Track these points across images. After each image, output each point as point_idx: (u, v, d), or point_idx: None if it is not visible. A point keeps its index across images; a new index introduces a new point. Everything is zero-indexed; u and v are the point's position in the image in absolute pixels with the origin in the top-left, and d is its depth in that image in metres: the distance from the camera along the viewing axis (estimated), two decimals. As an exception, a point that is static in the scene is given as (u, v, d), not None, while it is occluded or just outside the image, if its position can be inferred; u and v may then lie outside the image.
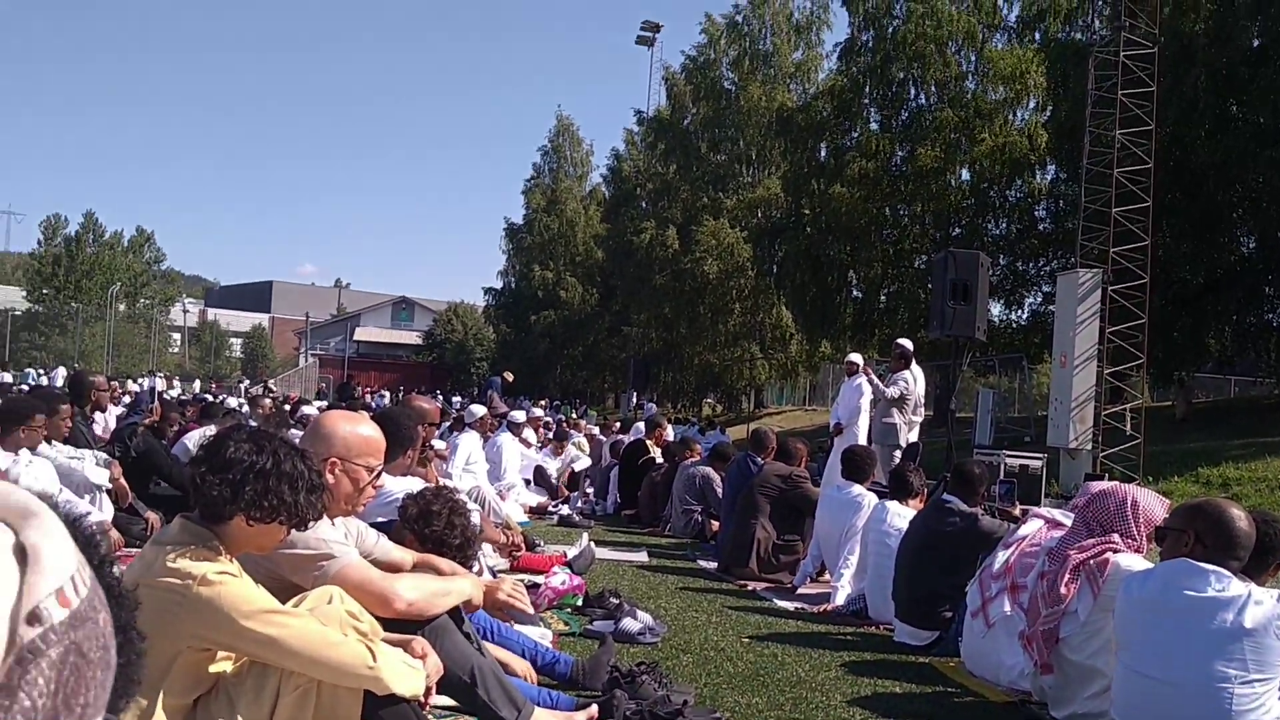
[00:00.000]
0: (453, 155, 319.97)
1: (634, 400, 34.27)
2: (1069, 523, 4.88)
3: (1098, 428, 16.24)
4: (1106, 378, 16.83)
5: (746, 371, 38.21)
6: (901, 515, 6.64)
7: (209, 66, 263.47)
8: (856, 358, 12.57)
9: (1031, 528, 5.38)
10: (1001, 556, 5.30)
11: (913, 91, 27.35)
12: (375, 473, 3.37)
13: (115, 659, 0.67)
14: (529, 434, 14.44)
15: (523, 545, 6.73)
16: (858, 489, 7.53)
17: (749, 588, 7.88)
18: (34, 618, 0.62)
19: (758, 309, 36.79)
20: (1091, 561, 4.43)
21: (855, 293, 29.52)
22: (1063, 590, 4.45)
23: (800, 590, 7.77)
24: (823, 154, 29.41)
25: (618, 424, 17.29)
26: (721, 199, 37.45)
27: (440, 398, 33.86)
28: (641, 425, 15.65)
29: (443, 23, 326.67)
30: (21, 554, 0.64)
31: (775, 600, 7.41)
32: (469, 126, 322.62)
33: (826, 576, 7.80)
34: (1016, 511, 7.48)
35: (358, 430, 3.40)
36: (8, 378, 31.68)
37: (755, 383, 39.19)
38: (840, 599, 7.03)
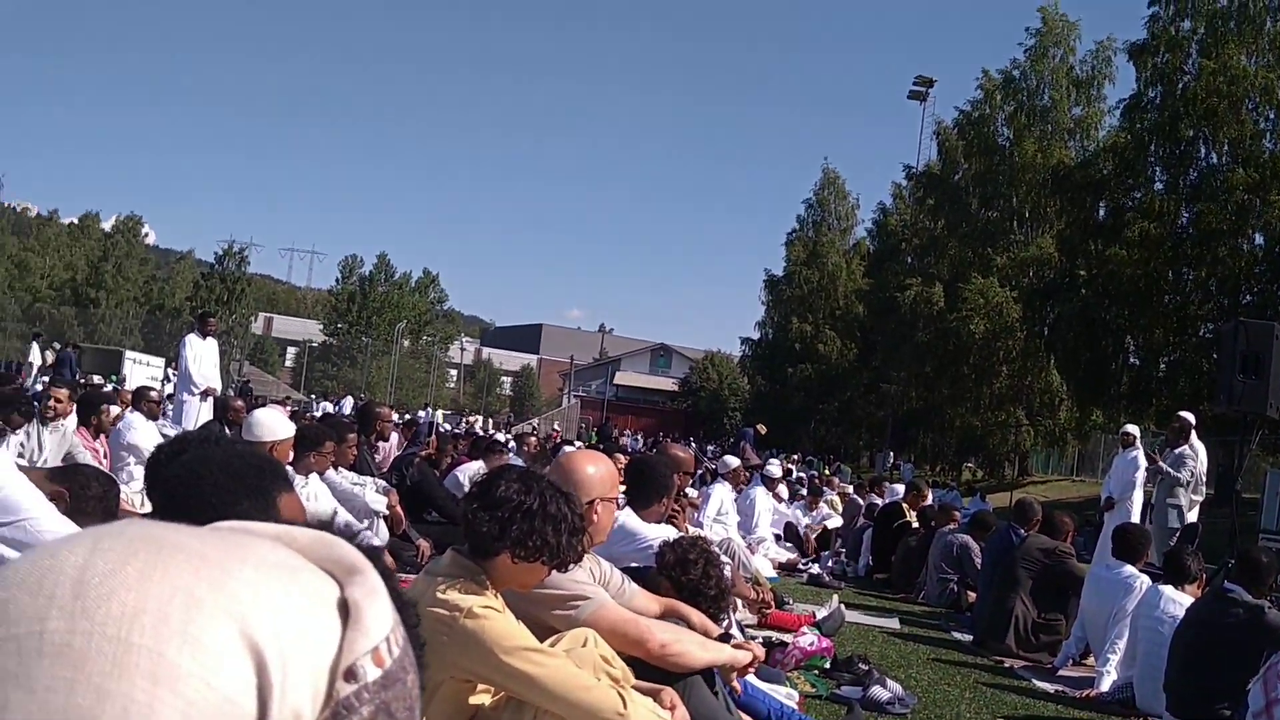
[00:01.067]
0: (716, 206, 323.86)
1: (890, 460, 33.58)
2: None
3: None
4: None
5: (1011, 437, 36.73)
6: (1176, 601, 6.19)
7: (499, 126, 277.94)
8: (1133, 429, 11.92)
9: (1328, 626, 4.92)
10: (1292, 655, 4.86)
11: (1202, 150, 25.83)
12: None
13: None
14: (782, 489, 14.34)
15: (772, 602, 6.67)
16: (1129, 569, 7.08)
17: (1006, 665, 7.54)
18: (350, 674, 0.63)
19: (1026, 372, 35.35)
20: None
21: (1132, 359, 27.98)
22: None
23: (1061, 672, 7.37)
24: (1101, 213, 28.16)
25: (869, 482, 17.01)
26: (991, 256, 36.29)
27: (693, 446, 34.15)
28: (899, 487, 15.28)
29: (711, 77, 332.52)
30: (344, 609, 0.65)
31: (1034, 680, 7.06)
32: (733, 178, 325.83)
33: (1090, 660, 7.37)
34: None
35: (603, 469, 3.52)
36: (329, 407, 34.03)
37: (1020, 449, 37.61)
38: (1105, 685, 6.62)
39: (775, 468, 14.25)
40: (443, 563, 2.82)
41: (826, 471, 31.64)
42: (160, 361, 32.43)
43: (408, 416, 34.66)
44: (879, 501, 14.25)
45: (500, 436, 24.73)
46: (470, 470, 9.92)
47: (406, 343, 72.50)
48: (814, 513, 14.93)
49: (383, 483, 7.94)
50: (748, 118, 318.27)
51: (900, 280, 41.05)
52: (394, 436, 14.80)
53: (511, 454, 13.48)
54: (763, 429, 29.74)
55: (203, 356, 13.34)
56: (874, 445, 46.12)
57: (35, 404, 8.55)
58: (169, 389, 18.34)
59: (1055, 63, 37.20)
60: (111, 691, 0.54)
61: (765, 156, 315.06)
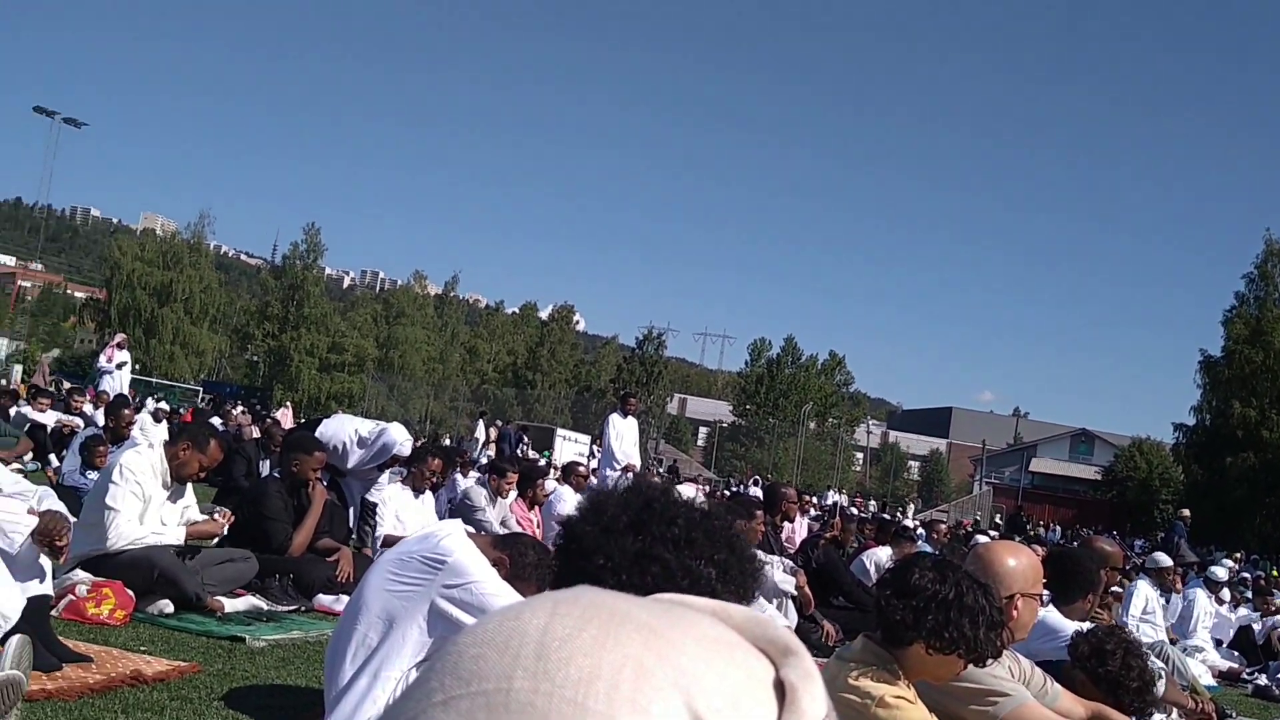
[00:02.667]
0: (1140, 282, 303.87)
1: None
2: None
3: None
4: None
5: None
6: None
7: (900, 211, 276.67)
8: None
9: None
10: None
11: None
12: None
13: None
14: (1225, 591, 13.11)
15: (1213, 714, 6.08)
16: None
17: None
18: None
19: None
20: None
21: None
22: None
23: None
24: None
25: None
26: None
27: (1119, 539, 31.88)
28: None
29: (1132, 146, 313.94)
30: (779, 691, 0.65)
31: None
32: (1159, 253, 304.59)
33: None
34: None
35: (1025, 561, 3.38)
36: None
37: None
38: None
39: (1222, 570, 13.03)
40: (855, 648, 2.81)
41: (1276, 572, 28.47)
42: (586, 438, 34.50)
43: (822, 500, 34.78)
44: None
45: (909, 522, 24.29)
46: (877, 556, 9.80)
47: (813, 424, 72.97)
48: (1267, 619, 13.48)
49: (789, 563, 8.01)
50: (1174, 189, 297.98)
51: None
52: (799, 519, 14.93)
53: (920, 541, 13.19)
54: (1185, 513, 27.28)
55: (624, 434, 14.13)
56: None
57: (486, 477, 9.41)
58: (593, 464, 19.48)
59: None
60: None
61: (1195, 229, 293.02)
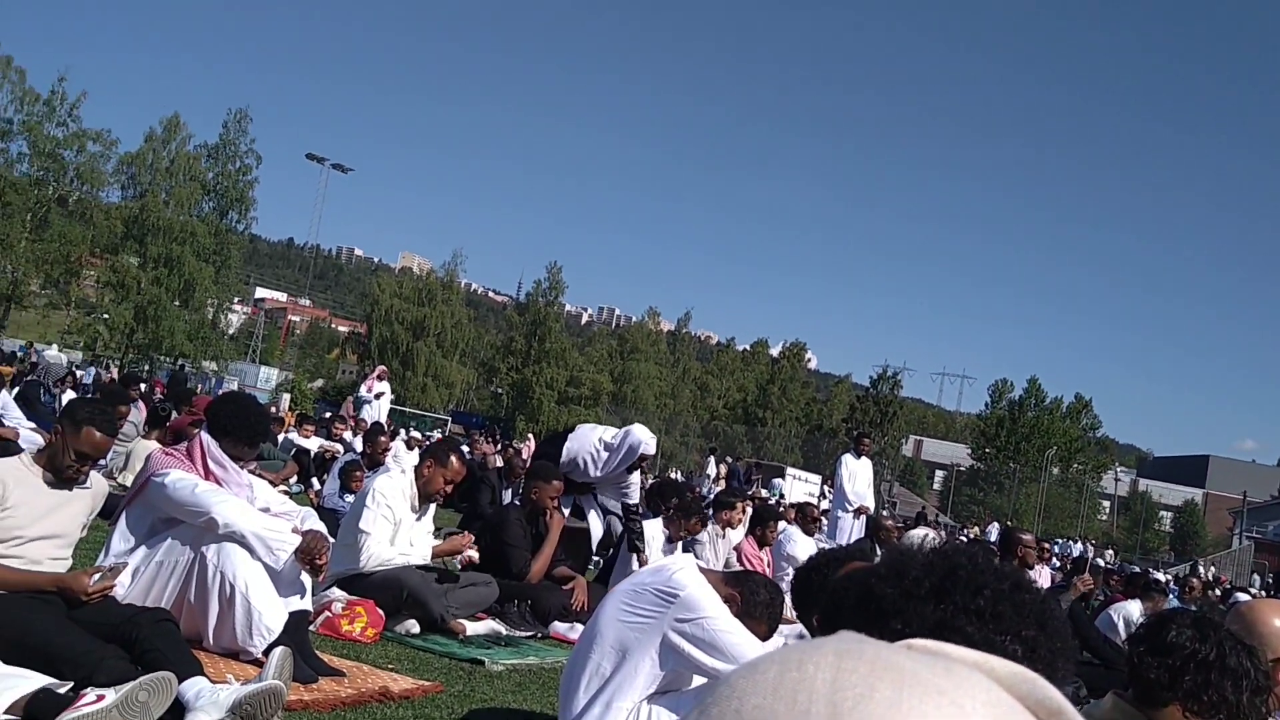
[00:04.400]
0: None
1: None
2: None
3: None
4: None
5: None
6: None
7: (1136, 244, 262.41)
8: None
9: None
10: None
11: None
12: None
13: None
14: None
15: None
16: None
17: None
18: None
19: None
20: None
21: None
22: None
23: None
24: None
25: None
26: None
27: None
28: None
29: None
30: None
31: None
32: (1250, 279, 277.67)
33: None
34: None
35: None
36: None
37: None
38: None
39: None
40: (1105, 706, 2.68)
41: None
42: (817, 478, 34.14)
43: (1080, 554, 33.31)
44: None
45: (1160, 576, 22.89)
46: (1127, 610, 9.28)
47: (1056, 470, 69.92)
48: None
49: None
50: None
51: None
52: (1042, 569, 14.33)
53: (1172, 596, 12.43)
54: None
55: (857, 475, 13.91)
56: None
57: (708, 513, 9.44)
58: (824, 505, 19.25)
59: None
60: None
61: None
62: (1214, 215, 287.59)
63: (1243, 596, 14.38)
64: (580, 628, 5.35)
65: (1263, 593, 29.33)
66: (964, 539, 22.01)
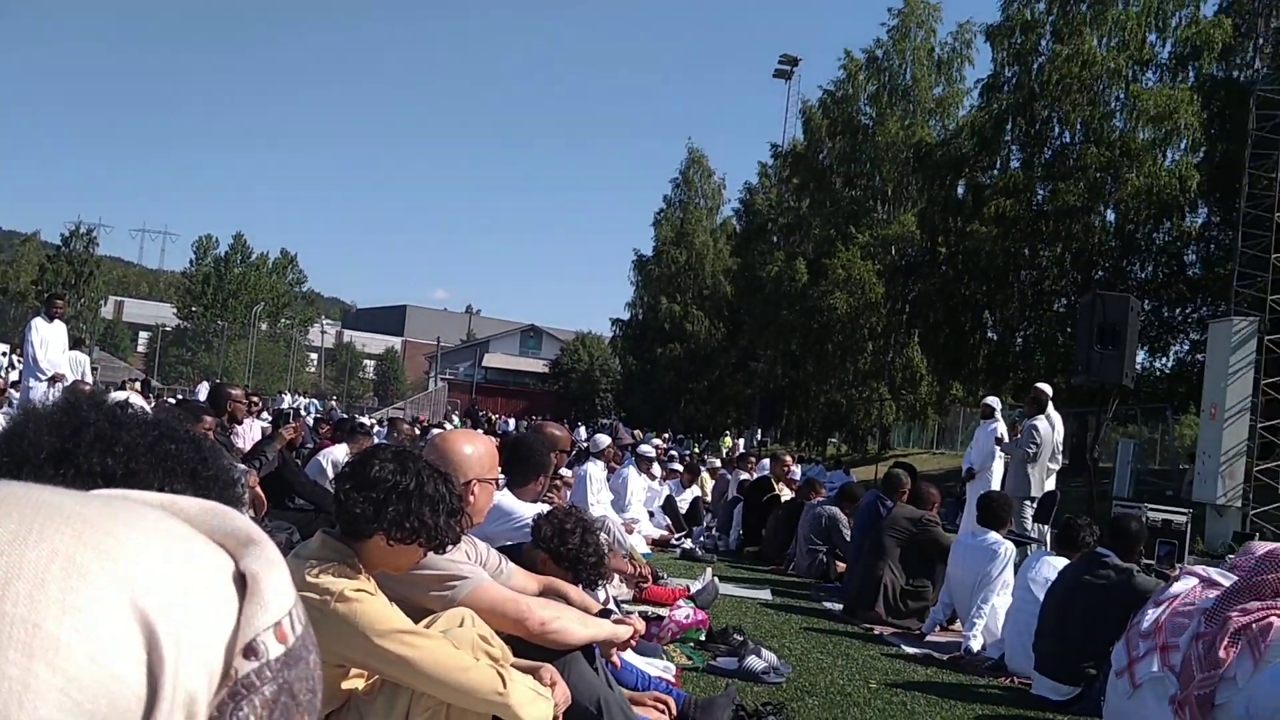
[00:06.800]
0: (586, 185, 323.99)
1: (758, 436, 34.03)
2: (1227, 583, 4.61)
3: (1248, 484, 15.49)
4: (1259, 432, 16.08)
5: (874, 412, 37.60)
6: (1054, 566, 6.37)
7: (349, 98, 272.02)
8: (994, 401, 12.25)
9: (1185, 586, 5.09)
10: (1152, 614, 5.03)
11: (1057, 129, 26.62)
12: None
13: (319, 704, 0.62)
14: (655, 467, 14.43)
15: (649, 577, 6.67)
16: (994, 536, 7.27)
17: (875, 632, 7.68)
18: (250, 651, 0.58)
19: (888, 349, 36.18)
20: (1254, 626, 4.17)
21: (990, 334, 28.79)
22: (1221, 654, 4.20)
23: (929, 638, 7.54)
24: (961, 191, 28.83)
25: (737, 458, 17.19)
26: (855, 234, 36.92)
27: (566, 425, 34.06)
28: (767, 462, 15.49)
29: (579, 56, 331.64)
30: (241, 583, 0.60)
31: (903, 646, 7.20)
32: (604, 157, 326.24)
33: (957, 625, 7.56)
34: (1174, 574, 7.14)
35: (481, 448, 3.45)
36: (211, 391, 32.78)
37: (883, 424, 38.54)
38: (974, 648, 6.79)
39: (649, 449, 14.31)
40: (312, 545, 2.70)
41: (698, 449, 31.94)
42: (4, 347, 30.88)
43: (289, 404, 33.91)
44: (748, 476, 14.41)
45: (366, 420, 24.24)
46: (334, 454, 9.65)
47: (264, 326, 70.78)
48: (690, 489, 15.08)
49: (241, 465, 7.69)
50: (618, 97, 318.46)
51: (767, 259, 41.52)
52: (252, 422, 14.40)
53: (378, 439, 13.23)
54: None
55: (50, 341, 12.75)
56: (742, 422, 46.69)
57: None
58: (14, 376, 17.52)
59: (917, 43, 38.05)
60: None
61: (635, 137, 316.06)
62: (383, 67, 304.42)
63: (439, 431, 15.74)
64: None
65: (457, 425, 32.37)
66: (171, 401, 21.44)
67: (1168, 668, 4.74)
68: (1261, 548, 4.48)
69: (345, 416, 23.19)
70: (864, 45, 39.55)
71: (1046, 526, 10.94)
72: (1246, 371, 15.15)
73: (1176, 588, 5.12)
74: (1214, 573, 5.06)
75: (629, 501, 12.28)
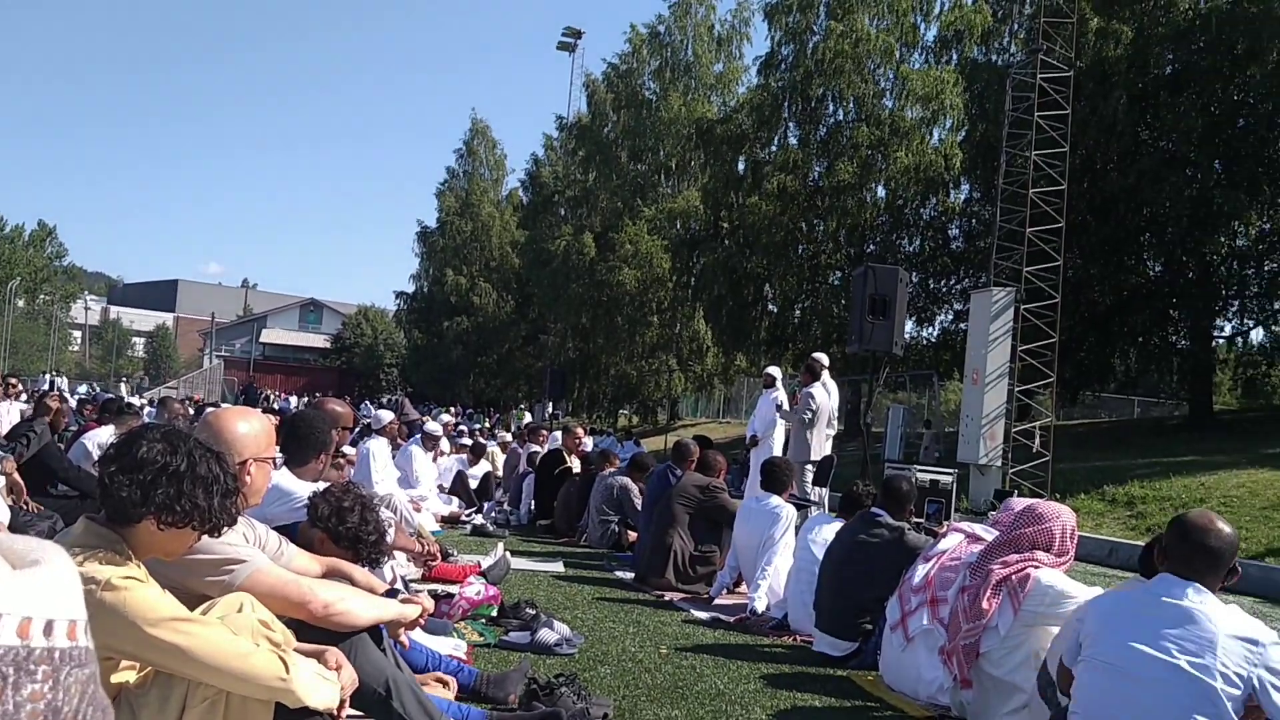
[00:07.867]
0: (366, 154, 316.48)
1: (549, 409, 34.12)
2: (989, 538, 4.89)
3: (1008, 444, 16.50)
4: (1017, 395, 17.12)
5: (663, 383, 38.23)
6: (833, 528, 6.61)
7: (111, 59, 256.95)
8: (775, 371, 12.60)
9: (951, 542, 5.38)
10: (921, 570, 5.30)
11: (831, 107, 27.54)
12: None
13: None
14: (444, 443, 14.27)
15: (438, 555, 6.58)
16: (776, 500, 7.51)
17: (666, 598, 7.81)
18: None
19: (675, 321, 36.81)
20: (1013, 577, 4.43)
21: (771, 307, 29.64)
22: (984, 605, 4.45)
23: (717, 601, 7.72)
24: (742, 167, 29.51)
25: (528, 431, 17.15)
26: (641, 208, 37.35)
27: (350, 401, 33.34)
28: (559, 435, 15.52)
29: (357, 18, 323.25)
30: None
31: (692, 611, 7.35)
32: (383, 125, 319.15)
33: (743, 587, 7.76)
34: (942, 531, 7.53)
35: (256, 426, 3.31)
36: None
37: (671, 395, 39.23)
38: (759, 608, 6.99)
39: (435, 425, 14.12)
40: (75, 532, 2.52)
41: (488, 424, 31.73)
42: None
43: (49, 386, 31.90)
44: (539, 449, 14.41)
45: (136, 400, 23.13)
46: (99, 437, 9.14)
47: (21, 303, 66.46)
48: (478, 465, 14.98)
49: None
50: (398, 63, 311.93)
51: (554, 231, 41.50)
52: (11, 405, 13.54)
53: (149, 418, 12.62)
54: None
55: None
56: (532, 396, 46.68)
57: None
58: None
59: (698, 19, 38.63)
60: None
61: (417, 103, 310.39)
62: (149, 20, 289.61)
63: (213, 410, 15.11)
64: None
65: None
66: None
67: (937, 620, 5.00)
68: (1020, 504, 4.76)
69: (111, 396, 22.00)
70: (647, 20, 39.92)
71: (825, 489, 11.38)
72: (1005, 339, 16.09)
73: (944, 544, 5.40)
74: (978, 528, 5.36)
75: (416, 478, 12.11)
